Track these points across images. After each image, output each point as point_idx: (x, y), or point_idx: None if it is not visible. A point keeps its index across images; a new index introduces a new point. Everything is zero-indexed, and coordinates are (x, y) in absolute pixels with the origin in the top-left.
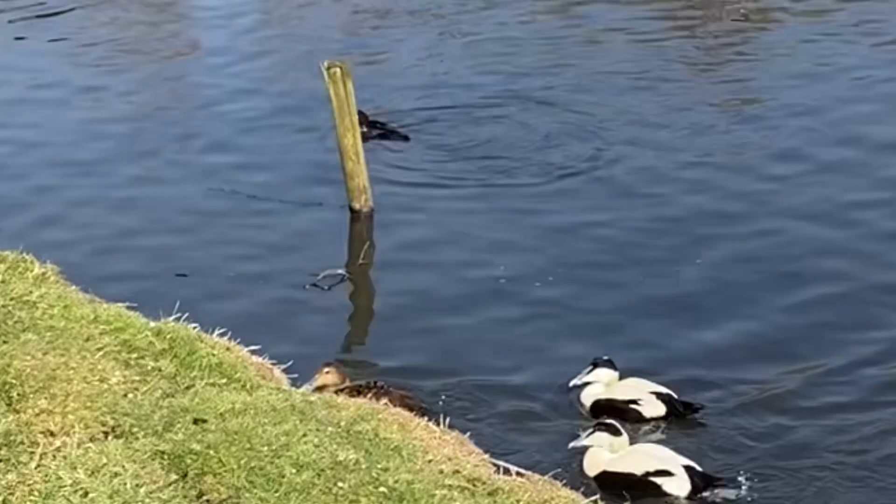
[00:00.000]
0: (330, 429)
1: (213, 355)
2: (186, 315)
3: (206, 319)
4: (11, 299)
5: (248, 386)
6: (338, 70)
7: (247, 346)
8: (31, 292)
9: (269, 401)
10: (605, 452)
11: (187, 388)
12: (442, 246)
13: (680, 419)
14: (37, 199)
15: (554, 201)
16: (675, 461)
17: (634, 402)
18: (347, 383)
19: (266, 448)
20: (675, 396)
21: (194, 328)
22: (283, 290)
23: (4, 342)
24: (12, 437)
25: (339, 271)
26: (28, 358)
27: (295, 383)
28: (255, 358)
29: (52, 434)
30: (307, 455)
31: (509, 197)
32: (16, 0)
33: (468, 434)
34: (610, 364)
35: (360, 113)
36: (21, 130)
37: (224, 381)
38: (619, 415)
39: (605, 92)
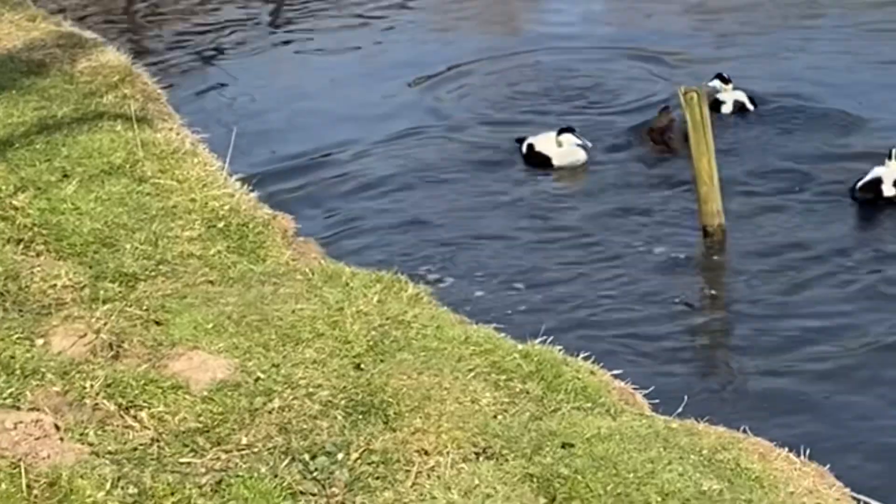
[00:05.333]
0: (693, 457)
1: (579, 379)
2: (551, 338)
3: (570, 343)
4: (387, 319)
5: (612, 411)
6: (694, 95)
7: (609, 369)
8: (405, 312)
9: (633, 427)
10: None
11: (554, 411)
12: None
13: None
14: None
15: None
16: None
17: None
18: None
19: (632, 475)
20: None
21: (559, 351)
22: (635, 313)
23: (382, 361)
24: (389, 455)
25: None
26: (404, 377)
27: (656, 409)
28: (617, 382)
29: (426, 453)
30: (672, 483)
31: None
32: None
33: (828, 466)
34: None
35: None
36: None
37: (589, 405)
38: None
39: None
